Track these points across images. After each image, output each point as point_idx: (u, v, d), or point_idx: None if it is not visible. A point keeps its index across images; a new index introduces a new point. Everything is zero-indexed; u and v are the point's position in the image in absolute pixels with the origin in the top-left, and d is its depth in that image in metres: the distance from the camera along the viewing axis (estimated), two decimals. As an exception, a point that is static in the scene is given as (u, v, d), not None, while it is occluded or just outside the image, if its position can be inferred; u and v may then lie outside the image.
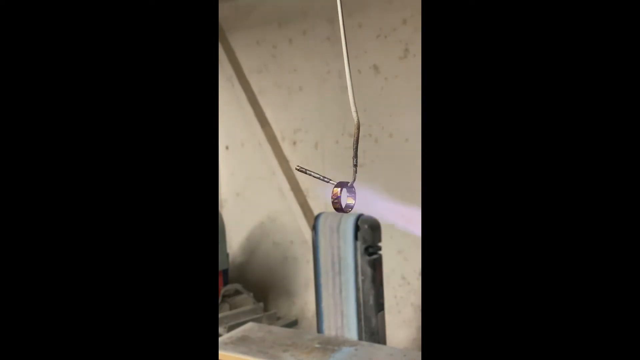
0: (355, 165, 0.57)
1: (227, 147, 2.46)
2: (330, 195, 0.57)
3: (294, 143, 2.26)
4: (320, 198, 2.20)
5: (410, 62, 1.92)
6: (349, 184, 0.57)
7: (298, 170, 0.62)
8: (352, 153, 0.57)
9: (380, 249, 1.44)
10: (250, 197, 2.45)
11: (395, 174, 1.96)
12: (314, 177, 0.60)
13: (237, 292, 2.10)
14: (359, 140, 0.56)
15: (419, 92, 0.60)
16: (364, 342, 1.38)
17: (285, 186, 2.25)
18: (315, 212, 1.98)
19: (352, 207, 0.58)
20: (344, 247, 1.42)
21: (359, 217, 1.41)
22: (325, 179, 0.59)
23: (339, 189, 0.57)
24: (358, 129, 0.57)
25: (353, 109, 0.56)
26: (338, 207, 0.57)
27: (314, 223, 1.49)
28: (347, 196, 0.58)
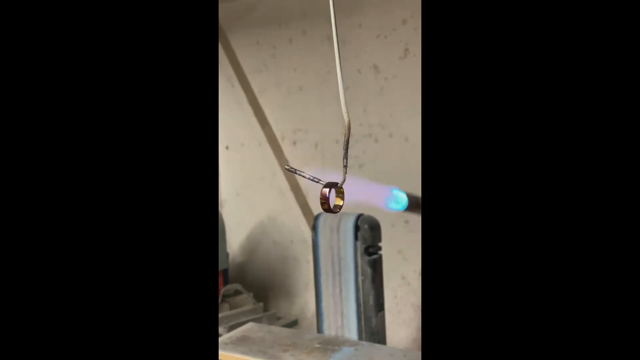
0: (345, 166, 0.57)
1: (227, 147, 2.46)
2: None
3: (294, 143, 2.26)
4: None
5: (410, 62, 1.92)
6: (338, 185, 0.57)
7: (287, 170, 0.62)
8: (352, 153, 0.57)
9: (380, 249, 1.44)
10: (250, 197, 2.45)
11: (395, 174, 1.96)
12: (303, 177, 0.59)
13: (237, 292, 2.10)
14: (349, 141, 0.56)
15: (419, 92, 0.60)
16: (364, 342, 1.38)
17: (285, 186, 2.24)
18: (315, 212, 1.98)
19: (340, 208, 0.58)
20: (344, 247, 1.42)
21: (359, 217, 1.41)
22: (315, 179, 0.59)
23: (328, 190, 0.57)
24: (348, 129, 0.57)
25: (344, 109, 0.56)
26: (326, 208, 0.57)
27: (314, 223, 1.49)
28: (336, 197, 0.57)
